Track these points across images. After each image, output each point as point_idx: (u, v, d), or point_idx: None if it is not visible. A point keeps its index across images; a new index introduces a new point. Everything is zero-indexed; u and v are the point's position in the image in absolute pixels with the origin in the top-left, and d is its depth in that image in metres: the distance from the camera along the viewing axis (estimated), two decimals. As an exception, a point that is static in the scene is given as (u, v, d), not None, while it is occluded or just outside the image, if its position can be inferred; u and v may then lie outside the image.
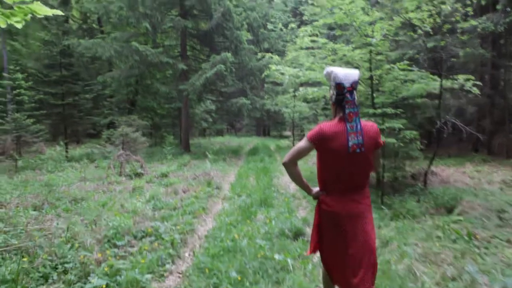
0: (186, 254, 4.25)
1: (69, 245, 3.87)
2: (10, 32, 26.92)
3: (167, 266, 3.72)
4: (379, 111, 6.20)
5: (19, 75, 14.56)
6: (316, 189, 2.54)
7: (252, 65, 15.01)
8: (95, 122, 21.57)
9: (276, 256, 3.92)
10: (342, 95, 2.32)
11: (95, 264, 3.49)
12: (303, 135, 25.07)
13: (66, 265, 3.42)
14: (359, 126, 2.27)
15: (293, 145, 20.97)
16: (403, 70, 7.19)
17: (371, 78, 8.08)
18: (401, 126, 6.07)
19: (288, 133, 39.92)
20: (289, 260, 3.77)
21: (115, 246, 3.99)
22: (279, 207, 6.34)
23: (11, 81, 12.94)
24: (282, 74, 9.37)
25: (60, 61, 13.85)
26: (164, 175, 9.10)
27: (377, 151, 2.49)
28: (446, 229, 4.85)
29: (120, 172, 9.13)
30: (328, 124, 2.34)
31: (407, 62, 6.80)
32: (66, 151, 13.81)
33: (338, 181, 2.35)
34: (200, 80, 13.21)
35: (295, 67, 9.63)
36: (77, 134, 22.90)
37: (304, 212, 6.22)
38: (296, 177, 2.49)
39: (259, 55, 16.70)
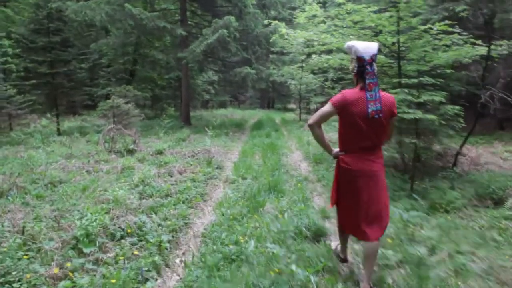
0: (177, 261, 3.32)
1: (20, 253, 2.93)
2: (0, -3, 25.52)
3: (149, 284, 2.78)
4: (413, 80, 5.09)
5: (6, 42, 13.41)
6: (336, 149, 2.85)
7: (258, 32, 13.70)
8: (93, 93, 20.51)
9: (294, 268, 2.97)
10: (363, 67, 2.62)
11: (48, 286, 2.55)
12: (309, 108, 24.00)
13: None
14: (378, 95, 2.59)
15: (300, 118, 19.92)
16: (438, 34, 6.04)
17: (397, 43, 6.94)
18: (442, 99, 4.99)
19: (293, 106, 38.69)
20: (312, 277, 2.81)
21: (82, 253, 3.04)
22: (291, 193, 5.37)
23: (-3, 48, 11.85)
24: (293, 38, 8.12)
25: (47, 25, 12.61)
26: (159, 152, 8.12)
27: (392, 120, 2.76)
28: (502, 229, 3.89)
29: (111, 149, 8.16)
30: (350, 91, 2.66)
31: (449, 22, 5.62)
32: (58, 124, 12.82)
33: (357, 142, 2.68)
34: (200, 47, 12.00)
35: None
36: (74, 105, 21.87)
37: (321, 200, 5.25)
38: (320, 138, 2.78)
39: (266, 21, 15.40)
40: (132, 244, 3.38)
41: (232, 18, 11.66)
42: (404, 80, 5.24)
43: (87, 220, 3.30)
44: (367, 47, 2.67)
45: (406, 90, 5.06)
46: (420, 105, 5.31)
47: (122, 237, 3.45)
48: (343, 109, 2.61)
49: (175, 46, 15.77)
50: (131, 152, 8.08)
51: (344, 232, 3.06)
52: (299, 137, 11.94)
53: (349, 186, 2.77)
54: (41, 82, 12.78)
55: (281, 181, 5.84)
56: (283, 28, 8.18)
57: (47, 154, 7.92)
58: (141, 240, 3.45)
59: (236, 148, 10.00)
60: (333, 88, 22.20)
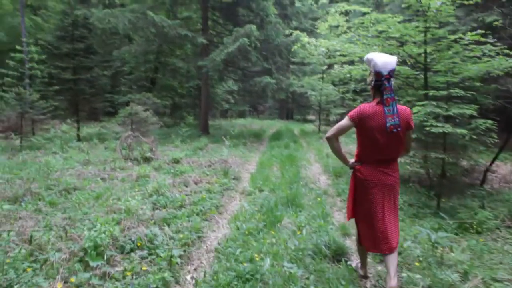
0: (188, 278, 3.13)
1: (26, 264, 2.80)
2: (31, 6, 26.34)
3: (157, 303, 2.60)
4: (442, 93, 4.80)
5: (33, 48, 13.70)
6: (352, 160, 2.96)
7: (279, 41, 13.60)
8: (114, 100, 20.80)
9: (312, 291, 2.74)
10: (380, 82, 2.69)
11: (49, 301, 2.41)
12: (329, 120, 23.67)
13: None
14: (395, 110, 2.65)
15: (319, 130, 19.62)
16: (469, 44, 5.75)
17: (424, 54, 6.66)
18: (474, 113, 4.68)
19: (312, 117, 38.37)
20: (332, 304, 2.58)
21: (89, 266, 2.89)
22: (310, 208, 5.13)
23: (24, 55, 12.05)
24: (315, 47, 7.93)
25: (72, 32, 12.83)
26: (176, 161, 8.01)
27: (409, 132, 2.84)
28: (542, 255, 3.55)
29: (127, 156, 8.10)
30: (367, 105, 2.73)
31: (481, 31, 5.33)
32: (78, 130, 12.95)
33: (373, 154, 2.77)
34: (221, 56, 11.95)
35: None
36: (95, 112, 22.21)
37: (341, 216, 5.00)
38: (337, 150, 2.88)
39: (287, 31, 15.29)
40: (142, 258, 3.21)
41: (254, 27, 11.58)
42: (432, 92, 4.96)
43: (96, 231, 3.15)
44: (386, 62, 2.71)
45: (434, 103, 4.78)
46: (449, 119, 5.02)
47: (131, 250, 3.29)
48: (360, 123, 2.70)
49: (196, 55, 15.81)
50: (147, 160, 8.00)
51: (363, 246, 3.03)
52: (318, 149, 11.67)
53: (365, 197, 2.84)
54: (63, 88, 12.96)
55: (300, 195, 5.61)
56: (304, 38, 7.98)
57: (64, 160, 7.93)
58: (151, 254, 3.28)
59: (254, 158, 9.82)
60: (354, 100, 21.91)
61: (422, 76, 7.15)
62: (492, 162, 6.61)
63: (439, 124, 4.51)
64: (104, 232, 3.17)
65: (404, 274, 3.13)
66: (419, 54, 6.82)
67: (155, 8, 14.75)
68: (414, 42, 6.91)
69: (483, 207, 5.45)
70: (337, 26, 8.42)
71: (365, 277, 3.16)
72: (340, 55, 15.02)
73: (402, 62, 8.11)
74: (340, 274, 3.10)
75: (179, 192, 5.40)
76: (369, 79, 2.85)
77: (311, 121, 32.27)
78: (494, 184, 6.96)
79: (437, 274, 3.10)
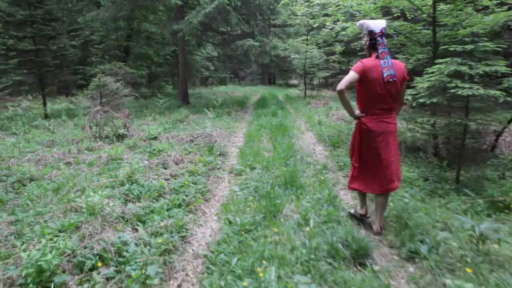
0: (170, 302, 2.36)
1: None
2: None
3: None
4: (468, 47, 3.97)
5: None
6: (357, 111, 3.24)
7: (261, 0, 12.40)
8: (86, 72, 19.30)
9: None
10: (374, 40, 3.09)
11: None
12: (313, 84, 22.80)
13: None
14: (390, 62, 3.04)
15: (305, 95, 18.80)
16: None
17: (433, 4, 5.79)
18: (507, 70, 3.90)
19: (294, 81, 37.41)
20: None
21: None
22: (313, 189, 4.40)
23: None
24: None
25: (27, -4, 11.31)
26: (153, 137, 7.11)
27: (404, 84, 3.21)
28: None
29: (98, 134, 7.14)
30: (367, 60, 3.08)
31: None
32: (44, 106, 11.75)
33: (375, 104, 3.11)
34: (198, 17, 10.77)
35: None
36: (66, 86, 20.74)
37: (349, 197, 4.28)
38: (347, 101, 3.07)
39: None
40: (107, 279, 2.42)
41: (233, -16, 10.40)
42: (452, 47, 4.14)
43: (40, 249, 2.31)
44: (377, 22, 3.13)
45: (458, 59, 3.97)
46: (471, 78, 4.25)
47: (93, 268, 2.48)
48: (363, 75, 3.01)
49: (170, 19, 14.47)
50: (121, 137, 7.08)
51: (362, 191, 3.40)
52: (308, 116, 10.89)
53: (369, 145, 3.18)
54: (23, 61, 11.59)
55: (298, 172, 4.85)
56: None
57: (26, 142, 6.93)
58: (119, 272, 2.48)
59: (240, 129, 8.97)
60: (339, 62, 21.05)
61: (426, 31, 6.35)
62: (506, 126, 5.94)
63: (466, 85, 3.72)
64: (52, 250, 2.34)
65: (448, 281, 2.43)
66: (425, 5, 5.98)
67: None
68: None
69: (504, 177, 4.84)
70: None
71: (366, 215, 3.52)
72: (325, 15, 13.92)
73: (402, 16, 7.25)
74: (366, 284, 2.39)
75: (157, 177, 4.55)
76: (363, 41, 3.22)
77: (294, 86, 31.35)
78: (503, 148, 6.36)
79: (490, 280, 2.42)
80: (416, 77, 4.59)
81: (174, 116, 10.12)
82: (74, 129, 8.79)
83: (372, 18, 6.57)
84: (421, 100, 4.25)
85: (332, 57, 20.73)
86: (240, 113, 12.42)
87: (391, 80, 3.00)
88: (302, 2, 14.43)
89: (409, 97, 4.47)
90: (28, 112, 9.70)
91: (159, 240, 2.90)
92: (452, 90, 3.75)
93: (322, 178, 4.71)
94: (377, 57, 3.05)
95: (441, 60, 4.05)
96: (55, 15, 12.77)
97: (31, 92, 14.07)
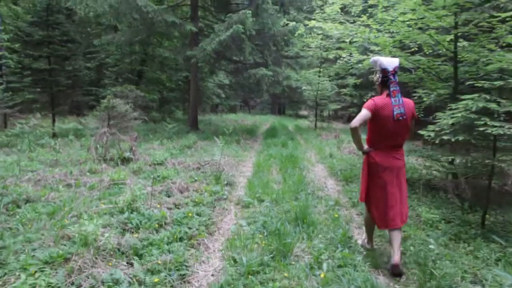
0: None
1: None
2: (9, -5, 24.70)
3: None
4: (497, 83, 3.73)
5: (4, 36, 12.36)
6: (365, 146, 3.32)
7: (275, 31, 12.44)
8: (98, 94, 19.45)
9: None
10: (387, 77, 3.16)
11: None
12: (323, 115, 22.66)
13: None
14: (401, 100, 3.12)
15: (315, 126, 18.62)
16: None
17: (455, 39, 5.62)
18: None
19: (304, 112, 37.42)
20: None
21: None
22: (325, 227, 4.08)
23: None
24: (324, 31, 6.84)
25: (46, 18, 11.49)
26: (159, 163, 6.88)
27: (413, 121, 3.25)
28: None
29: (103, 156, 6.94)
30: (379, 98, 3.16)
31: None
32: (53, 125, 11.70)
33: (384, 140, 3.19)
34: (212, 45, 10.78)
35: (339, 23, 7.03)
36: (78, 106, 20.83)
37: (363, 236, 3.94)
38: (358, 137, 3.17)
39: (284, 20, 14.13)
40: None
41: (249, 13, 10.42)
42: (481, 83, 3.91)
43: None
44: (391, 61, 3.20)
45: (486, 96, 3.73)
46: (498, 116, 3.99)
47: (77, 312, 2.18)
48: (375, 113, 3.08)
49: (184, 46, 14.61)
50: (126, 161, 6.86)
51: (373, 225, 3.44)
52: (318, 148, 10.64)
53: (377, 179, 3.22)
54: (37, 79, 11.65)
55: (309, 207, 4.53)
56: (312, 21, 6.83)
57: (28, 161, 6.75)
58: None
59: (249, 158, 8.72)
60: (351, 95, 20.98)
61: (445, 66, 6.15)
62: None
63: (496, 124, 3.45)
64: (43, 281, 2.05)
65: None
66: (445, 40, 5.80)
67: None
68: (437, 28, 5.90)
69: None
70: (340, 10, 7.38)
71: (372, 248, 3.55)
72: (338, 48, 13.88)
73: (419, 51, 7.09)
74: None
75: (159, 205, 4.28)
76: (375, 77, 3.29)
77: (304, 117, 31.32)
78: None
79: None
80: (439, 113, 4.34)
81: (182, 141, 9.93)
82: (80, 149, 8.62)
83: (390, 52, 6.42)
84: (445, 137, 3.99)
85: (344, 90, 20.70)
86: (249, 141, 12.21)
87: (400, 118, 3.08)
88: (317, 34, 14.49)
89: (431, 134, 4.20)
90: (36, 130, 9.59)
91: (156, 279, 2.59)
92: (481, 128, 3.48)
93: (336, 215, 4.38)
94: (388, 95, 3.14)
95: (467, 96, 3.81)
96: (72, 37, 12.93)
97: (42, 111, 14.13)
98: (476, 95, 3.74)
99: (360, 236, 3.97)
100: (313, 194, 5.53)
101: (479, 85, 4.09)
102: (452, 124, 3.92)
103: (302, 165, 7.75)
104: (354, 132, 3.13)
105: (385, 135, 3.14)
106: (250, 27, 10.61)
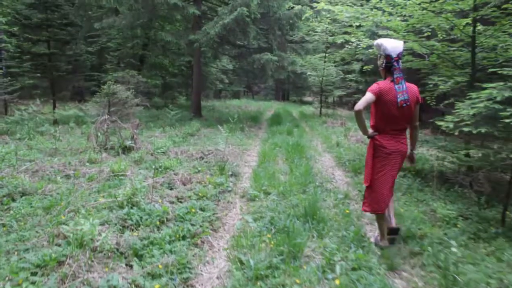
0: None
1: None
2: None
3: None
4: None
5: (2, 19, 12.02)
6: (370, 130, 3.32)
7: (281, 14, 12.05)
8: (100, 79, 19.15)
9: None
10: (390, 64, 3.14)
11: None
12: (327, 102, 22.29)
13: None
14: (404, 87, 3.11)
15: (320, 112, 18.31)
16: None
17: (473, 24, 5.30)
18: None
19: (308, 98, 36.98)
20: None
21: None
22: (335, 222, 3.86)
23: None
24: (334, 14, 6.50)
25: (44, 0, 11.14)
26: (161, 152, 6.67)
27: (417, 106, 3.22)
28: None
29: (104, 145, 6.73)
30: (383, 82, 3.16)
31: None
32: (54, 112, 11.46)
33: (388, 124, 3.20)
34: (215, 28, 10.44)
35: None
36: (80, 92, 20.53)
37: (382, 242, 3.72)
38: (363, 120, 3.17)
39: (290, 3, 13.72)
40: None
41: (254, -6, 10.06)
42: (505, 71, 3.62)
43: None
44: (395, 47, 3.15)
45: (501, 84, 3.45)
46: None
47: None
48: (379, 97, 3.08)
49: (187, 30, 14.22)
50: (127, 149, 6.64)
51: (383, 212, 3.33)
52: (324, 136, 10.38)
53: (383, 162, 3.24)
54: (36, 64, 11.36)
55: (318, 201, 4.32)
56: (322, 3, 6.49)
57: (27, 149, 6.55)
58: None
59: (254, 147, 8.49)
60: (356, 81, 20.57)
61: (461, 52, 5.84)
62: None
63: (524, 115, 3.19)
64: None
65: None
66: (462, 25, 5.48)
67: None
68: (453, 11, 5.55)
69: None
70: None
71: (386, 247, 3.31)
72: (344, 33, 13.45)
73: (433, 36, 6.75)
74: None
75: (161, 199, 4.07)
76: (379, 62, 3.25)
77: (308, 103, 30.92)
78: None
79: None
80: (458, 102, 4.07)
81: (185, 129, 9.69)
82: (80, 137, 8.40)
83: (403, 37, 6.10)
84: (465, 129, 3.72)
85: (350, 75, 20.29)
86: (254, 129, 11.96)
87: (404, 105, 3.08)
88: (325, 18, 14.05)
89: (450, 125, 3.93)
90: (36, 117, 9.37)
91: (156, 285, 2.39)
92: (507, 120, 3.22)
93: (347, 211, 4.16)
94: (392, 81, 3.13)
95: (490, 85, 3.53)
96: (72, 20, 12.58)
97: (43, 97, 13.90)
98: (501, 83, 3.46)
99: (372, 234, 3.76)
100: (321, 186, 5.31)
101: (504, 72, 3.80)
102: (473, 114, 3.65)
103: (309, 154, 7.52)
104: (359, 115, 3.11)
105: (389, 119, 3.16)
106: (255, 10, 10.25)
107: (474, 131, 3.61)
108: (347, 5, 6.26)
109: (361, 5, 7.48)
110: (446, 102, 6.44)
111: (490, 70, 3.92)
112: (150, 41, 19.79)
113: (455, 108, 4.00)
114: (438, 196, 4.90)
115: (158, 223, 3.39)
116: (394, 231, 3.27)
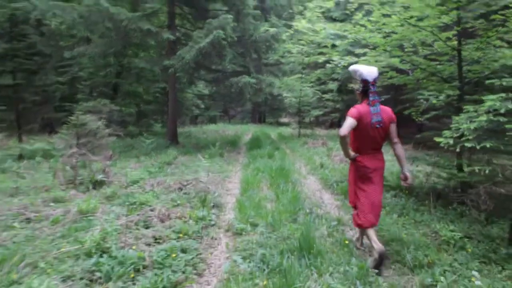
0: None
1: None
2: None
3: None
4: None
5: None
6: (352, 153, 3.55)
7: (257, 36, 11.89)
8: (72, 110, 18.39)
9: None
10: (367, 88, 3.41)
11: None
12: (305, 122, 22.16)
13: None
14: (379, 109, 3.37)
15: (299, 134, 18.11)
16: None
17: (458, 37, 5.19)
18: None
19: (285, 119, 36.95)
20: None
21: None
22: (333, 255, 3.46)
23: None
24: (315, 32, 6.30)
25: (10, 29, 10.62)
26: (136, 184, 6.16)
27: (393, 125, 3.45)
28: None
29: (73, 180, 6.16)
30: (361, 106, 3.40)
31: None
32: (19, 145, 10.75)
33: (367, 145, 3.45)
34: (191, 53, 10.12)
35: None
36: (51, 123, 19.66)
37: (388, 272, 3.33)
38: (346, 145, 3.39)
39: (266, 26, 13.65)
40: None
41: (230, 17, 9.83)
42: (505, 81, 3.41)
43: None
44: (370, 72, 3.45)
45: (503, 95, 3.23)
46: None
47: None
48: (359, 120, 3.32)
49: (161, 56, 13.88)
50: (98, 184, 6.10)
51: (365, 227, 3.45)
52: (307, 157, 10.08)
53: (366, 181, 3.49)
54: (1, 96, 10.71)
55: (311, 231, 3.92)
56: (300, 22, 6.26)
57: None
58: None
59: (235, 173, 8.06)
60: (333, 101, 20.63)
61: (445, 66, 5.70)
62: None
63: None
64: None
65: None
66: (450, 38, 5.35)
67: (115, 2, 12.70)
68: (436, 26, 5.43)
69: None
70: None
71: (360, 248, 3.74)
72: (319, 53, 13.37)
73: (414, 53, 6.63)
74: None
75: (136, 241, 3.58)
76: (356, 87, 3.53)
77: (285, 124, 30.80)
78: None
79: None
80: (454, 116, 3.82)
81: (162, 158, 9.18)
82: (47, 172, 7.76)
83: (385, 51, 5.94)
84: (468, 145, 3.45)
85: (326, 95, 20.32)
86: (233, 154, 11.54)
87: (377, 126, 3.33)
88: (302, 39, 14.00)
89: (450, 141, 3.67)
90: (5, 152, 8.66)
91: None
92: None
93: (345, 241, 3.77)
94: (368, 104, 3.38)
95: (491, 96, 3.29)
96: (40, 49, 12.03)
97: (9, 130, 13.11)
98: (503, 94, 3.22)
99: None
100: (311, 213, 4.92)
101: (498, 83, 3.59)
102: (475, 128, 3.39)
103: (293, 178, 7.15)
104: (343, 140, 3.32)
105: (367, 140, 3.41)
106: (231, 33, 10.01)
107: (478, 146, 3.34)
108: (330, 23, 6.07)
109: (341, 21, 7.36)
110: (427, 116, 6.28)
111: (488, 82, 3.69)
112: (123, 68, 19.33)
113: (453, 122, 3.75)
114: (436, 215, 4.61)
115: (132, 274, 2.90)
116: (383, 252, 3.17)
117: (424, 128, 16.67)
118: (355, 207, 3.65)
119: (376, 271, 3.11)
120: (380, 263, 3.15)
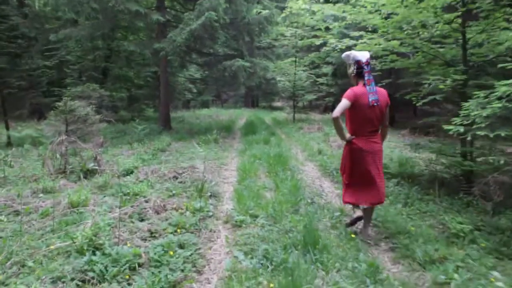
0: None
1: None
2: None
3: None
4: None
5: None
6: (348, 135, 3.60)
7: (250, 19, 11.53)
8: (61, 95, 17.89)
9: None
10: (361, 68, 3.46)
11: None
12: (299, 106, 21.93)
13: None
14: (375, 88, 3.42)
15: (294, 118, 17.92)
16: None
17: (462, 18, 4.97)
18: None
19: (278, 104, 36.65)
20: None
21: None
22: (339, 249, 3.30)
23: None
24: (313, 13, 6.02)
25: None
26: (129, 172, 5.93)
27: (387, 108, 3.53)
28: None
29: (63, 169, 5.91)
30: (357, 88, 3.45)
31: None
32: (7, 132, 10.40)
33: (363, 127, 3.47)
34: (182, 35, 9.77)
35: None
36: (40, 109, 19.15)
37: (397, 268, 3.18)
38: (340, 126, 3.44)
39: (258, 8, 13.26)
40: None
41: (221, -2, 9.47)
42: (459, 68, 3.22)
43: None
44: (363, 53, 3.53)
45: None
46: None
47: None
48: (355, 102, 3.37)
49: (151, 39, 13.45)
50: (90, 173, 5.86)
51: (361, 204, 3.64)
52: (304, 143, 9.90)
53: (359, 162, 3.52)
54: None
55: (316, 225, 3.75)
56: (294, 2, 5.98)
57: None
58: None
59: (231, 160, 7.85)
60: (328, 85, 20.37)
61: (443, 49, 5.49)
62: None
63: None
64: None
65: None
66: (452, 20, 5.13)
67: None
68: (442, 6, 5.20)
69: None
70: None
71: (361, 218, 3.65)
72: (314, 36, 13.08)
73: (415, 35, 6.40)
74: None
75: (130, 235, 3.38)
76: (350, 70, 3.60)
77: (278, 109, 30.55)
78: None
79: None
80: (463, 102, 3.64)
81: (155, 144, 8.91)
82: (36, 160, 7.48)
83: (385, 32, 5.72)
84: (480, 133, 3.28)
85: (320, 79, 20.05)
86: (228, 139, 11.32)
87: (375, 104, 3.36)
88: (296, 21, 13.65)
89: (461, 129, 3.49)
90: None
91: None
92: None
93: (352, 235, 3.61)
94: (364, 84, 3.43)
95: (505, 81, 3.10)
96: (23, 31, 11.53)
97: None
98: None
99: (387, 265, 3.23)
100: (312, 202, 4.76)
101: (510, 66, 3.40)
102: (487, 116, 3.21)
103: (292, 165, 6.97)
104: (336, 122, 3.39)
105: (364, 121, 3.43)
106: (223, 15, 9.66)
107: (491, 135, 3.17)
108: (326, 3, 5.79)
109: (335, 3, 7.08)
110: (425, 101, 6.11)
111: (500, 66, 3.50)
112: (113, 52, 18.81)
113: (462, 109, 3.56)
114: (442, 206, 4.47)
115: (128, 273, 2.70)
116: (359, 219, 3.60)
117: (419, 112, 16.57)
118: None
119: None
120: (353, 223, 3.70)
